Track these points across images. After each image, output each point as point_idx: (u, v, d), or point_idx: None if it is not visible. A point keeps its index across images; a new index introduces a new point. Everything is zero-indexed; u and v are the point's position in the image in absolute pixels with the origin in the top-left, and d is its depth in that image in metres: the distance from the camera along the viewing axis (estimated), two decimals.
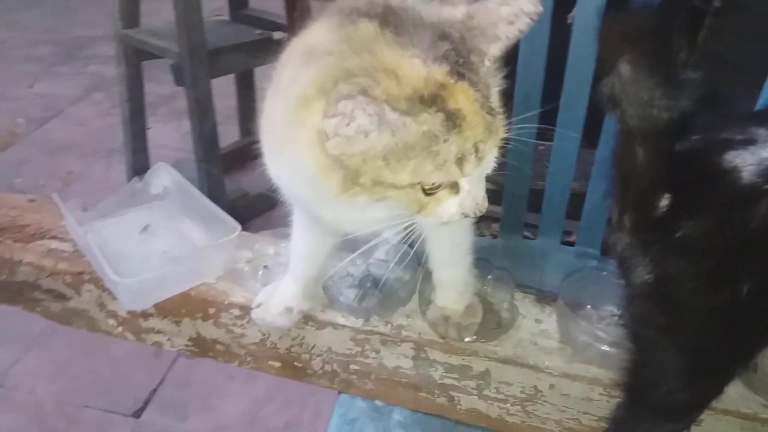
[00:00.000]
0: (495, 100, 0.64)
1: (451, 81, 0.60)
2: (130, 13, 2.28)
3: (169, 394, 1.91)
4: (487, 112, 0.62)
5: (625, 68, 0.57)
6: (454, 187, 0.65)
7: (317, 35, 0.66)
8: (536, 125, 1.23)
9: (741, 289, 0.63)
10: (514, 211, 1.33)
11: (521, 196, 1.31)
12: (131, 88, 2.45)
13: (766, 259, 0.62)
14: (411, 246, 1.06)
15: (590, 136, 1.20)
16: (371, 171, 0.61)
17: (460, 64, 0.61)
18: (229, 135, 2.56)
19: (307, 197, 0.76)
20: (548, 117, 1.24)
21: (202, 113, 2.17)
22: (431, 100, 0.59)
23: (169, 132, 3.03)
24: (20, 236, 1.15)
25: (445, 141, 0.60)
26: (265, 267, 1.06)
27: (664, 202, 0.63)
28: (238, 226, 1.04)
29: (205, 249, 1.05)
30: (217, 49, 2.15)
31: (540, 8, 0.62)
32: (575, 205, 1.30)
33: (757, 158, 0.61)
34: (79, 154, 2.89)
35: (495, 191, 1.43)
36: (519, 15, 0.62)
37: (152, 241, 1.13)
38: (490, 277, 1.03)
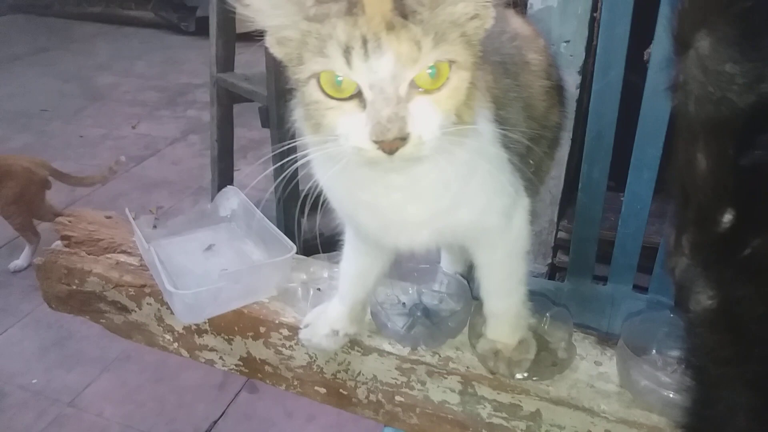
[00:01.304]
0: (429, 18, 0.58)
1: None
2: (226, 59, 2.43)
3: (229, 427, 1.92)
4: (399, 14, 0.57)
5: (703, 41, 0.52)
6: (361, 100, 0.60)
7: None
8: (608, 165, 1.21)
9: None
10: (583, 254, 1.27)
11: (591, 238, 1.25)
12: (222, 129, 2.58)
13: None
14: (466, 278, 1.05)
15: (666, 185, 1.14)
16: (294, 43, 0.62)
17: None
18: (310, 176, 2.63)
19: (341, 187, 0.76)
20: (621, 159, 1.20)
21: (283, 153, 2.25)
22: None
23: (256, 175, 3.14)
24: (94, 249, 1.21)
25: (332, 18, 0.57)
26: (318, 289, 1.05)
27: (728, 217, 0.58)
28: (294, 247, 1.05)
29: (260, 266, 1.06)
30: None
31: None
32: (650, 257, 1.24)
33: None
34: (171, 191, 3.04)
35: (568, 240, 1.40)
36: None
37: (214, 260, 1.16)
38: (548, 314, 0.97)
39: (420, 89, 0.60)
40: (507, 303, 0.90)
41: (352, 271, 0.95)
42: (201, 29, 4.77)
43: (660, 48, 1.09)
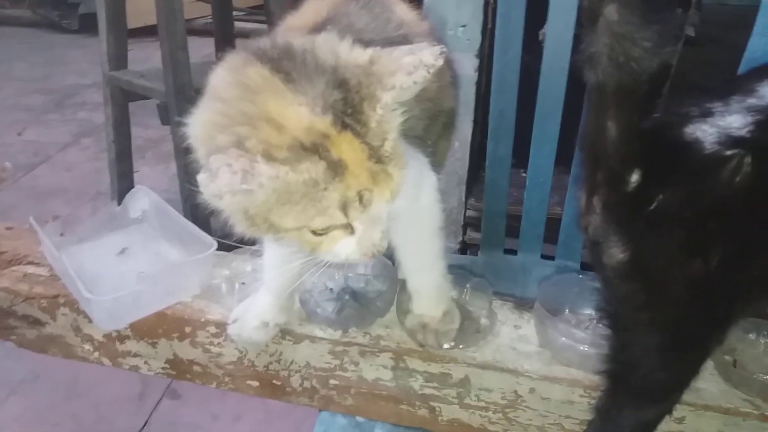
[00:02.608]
0: (389, 147, 0.64)
1: (335, 131, 0.61)
2: (118, 57, 2.32)
3: None
4: (376, 162, 0.62)
5: (611, 9, 0.57)
6: (348, 227, 0.66)
7: (219, 74, 0.68)
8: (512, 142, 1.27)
9: (712, 260, 0.63)
10: (494, 228, 1.33)
11: (500, 212, 1.31)
12: (118, 129, 2.47)
13: (732, 228, 0.63)
14: (390, 258, 1.08)
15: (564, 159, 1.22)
16: (260, 215, 0.63)
17: (348, 114, 0.61)
18: None
19: None
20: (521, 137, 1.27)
21: (187, 152, 2.19)
22: (313, 149, 0.60)
23: (157, 175, 3.03)
24: None
25: (325, 189, 0.61)
26: (242, 283, 1.05)
27: (635, 177, 0.64)
28: (214, 243, 1.04)
29: (180, 266, 1.05)
30: (202, 89, 2.18)
31: (440, 62, 0.62)
32: (554, 228, 1.32)
33: (715, 128, 0.63)
34: (66, 198, 2.88)
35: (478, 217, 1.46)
36: (418, 66, 0.62)
37: (129, 263, 1.12)
38: (468, 285, 1.02)
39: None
40: (428, 278, 0.93)
41: (276, 261, 0.95)
42: (85, 26, 4.50)
43: (554, 28, 1.15)
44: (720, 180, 0.61)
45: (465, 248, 1.63)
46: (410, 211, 0.85)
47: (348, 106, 0.62)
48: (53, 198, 2.86)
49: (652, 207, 0.63)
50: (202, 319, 1.02)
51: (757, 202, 0.62)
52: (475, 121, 1.37)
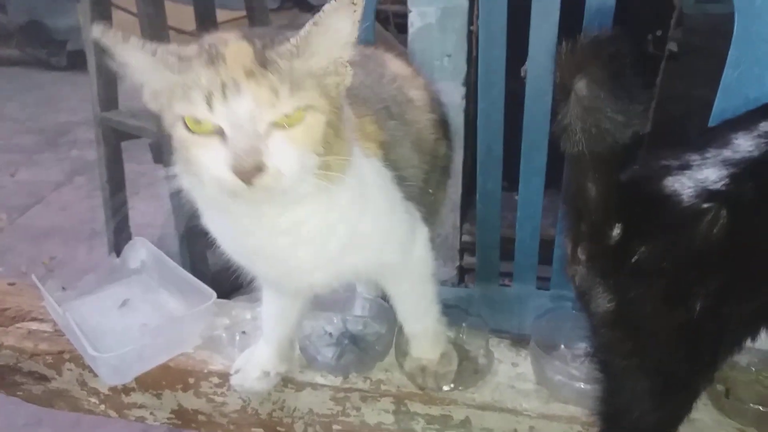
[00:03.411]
0: (286, 63, 0.64)
1: (233, 39, 0.66)
2: (108, 97, 2.35)
3: None
4: (259, 64, 0.63)
5: (581, 85, 0.60)
6: (220, 133, 0.64)
7: None
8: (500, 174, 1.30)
9: (694, 306, 0.66)
10: (487, 259, 1.36)
11: (493, 244, 1.34)
12: (111, 169, 2.49)
13: (712, 276, 0.65)
14: (386, 300, 1.10)
15: (555, 180, 1.24)
16: (160, 93, 0.67)
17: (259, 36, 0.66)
18: None
19: (229, 235, 0.80)
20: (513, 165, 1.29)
21: (181, 189, 2.21)
22: (208, 49, 0.65)
23: (151, 210, 3.04)
24: (1, 320, 1.16)
25: (194, 71, 0.63)
26: (243, 332, 1.07)
27: (617, 231, 0.67)
28: (213, 294, 1.06)
29: (182, 318, 1.07)
30: None
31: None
32: (549, 249, 1.34)
33: (693, 181, 0.65)
34: (62, 239, 2.90)
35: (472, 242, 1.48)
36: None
37: (131, 315, 1.14)
38: (464, 324, 1.04)
39: (277, 129, 0.64)
40: (424, 324, 0.96)
41: (273, 311, 0.98)
42: (73, 63, 4.52)
43: (535, 64, 1.19)
44: (698, 232, 0.64)
45: (462, 273, 1.65)
46: (403, 262, 0.88)
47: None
48: (49, 239, 2.87)
49: (634, 259, 0.66)
50: (205, 370, 1.03)
51: (734, 250, 0.64)
52: (465, 147, 1.39)
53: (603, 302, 0.70)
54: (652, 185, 0.67)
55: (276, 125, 0.64)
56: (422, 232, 0.90)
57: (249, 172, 0.62)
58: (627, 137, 0.60)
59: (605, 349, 0.74)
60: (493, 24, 1.19)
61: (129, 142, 2.48)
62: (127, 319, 1.13)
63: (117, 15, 2.37)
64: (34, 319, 1.15)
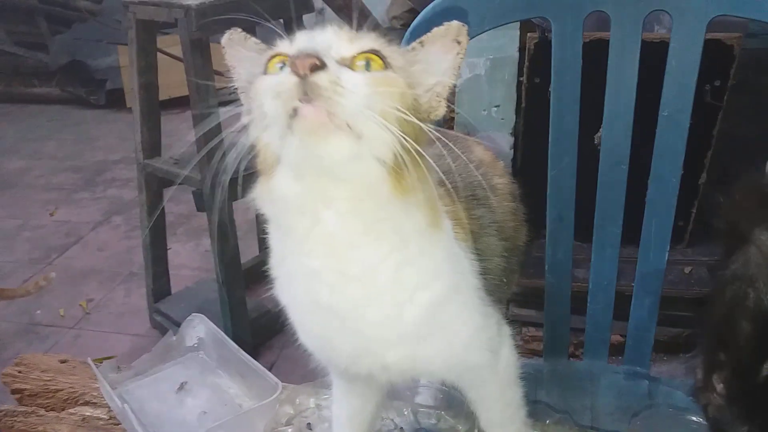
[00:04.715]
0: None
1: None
2: (152, 145, 2.35)
3: None
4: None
5: (763, 236, 0.54)
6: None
7: None
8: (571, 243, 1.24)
9: None
10: (557, 334, 1.29)
11: (564, 320, 1.27)
12: (152, 215, 2.48)
13: None
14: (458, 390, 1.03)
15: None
16: None
17: None
18: (248, 250, 2.55)
19: (298, 293, 0.72)
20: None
21: (223, 237, 2.18)
22: None
23: (189, 251, 3.04)
24: (52, 402, 1.12)
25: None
26: (308, 426, 1.01)
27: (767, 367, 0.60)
28: (279, 384, 1.00)
29: (248, 414, 1.01)
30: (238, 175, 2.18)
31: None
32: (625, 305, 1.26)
33: None
34: (100, 280, 2.89)
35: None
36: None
37: (190, 401, 1.09)
38: (548, 421, 0.97)
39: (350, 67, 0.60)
40: (509, 430, 0.89)
41: (344, 413, 0.92)
42: (112, 101, 4.59)
43: (610, 132, 1.13)
44: None
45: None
46: (488, 366, 0.81)
47: None
48: (87, 280, 2.87)
49: None
50: None
51: None
52: None
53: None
54: None
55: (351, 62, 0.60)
56: (506, 331, 0.84)
57: (304, 59, 0.55)
58: None
59: None
60: (566, 90, 1.14)
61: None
62: (185, 405, 1.08)
63: (161, 59, 2.37)
64: (87, 403, 1.11)
